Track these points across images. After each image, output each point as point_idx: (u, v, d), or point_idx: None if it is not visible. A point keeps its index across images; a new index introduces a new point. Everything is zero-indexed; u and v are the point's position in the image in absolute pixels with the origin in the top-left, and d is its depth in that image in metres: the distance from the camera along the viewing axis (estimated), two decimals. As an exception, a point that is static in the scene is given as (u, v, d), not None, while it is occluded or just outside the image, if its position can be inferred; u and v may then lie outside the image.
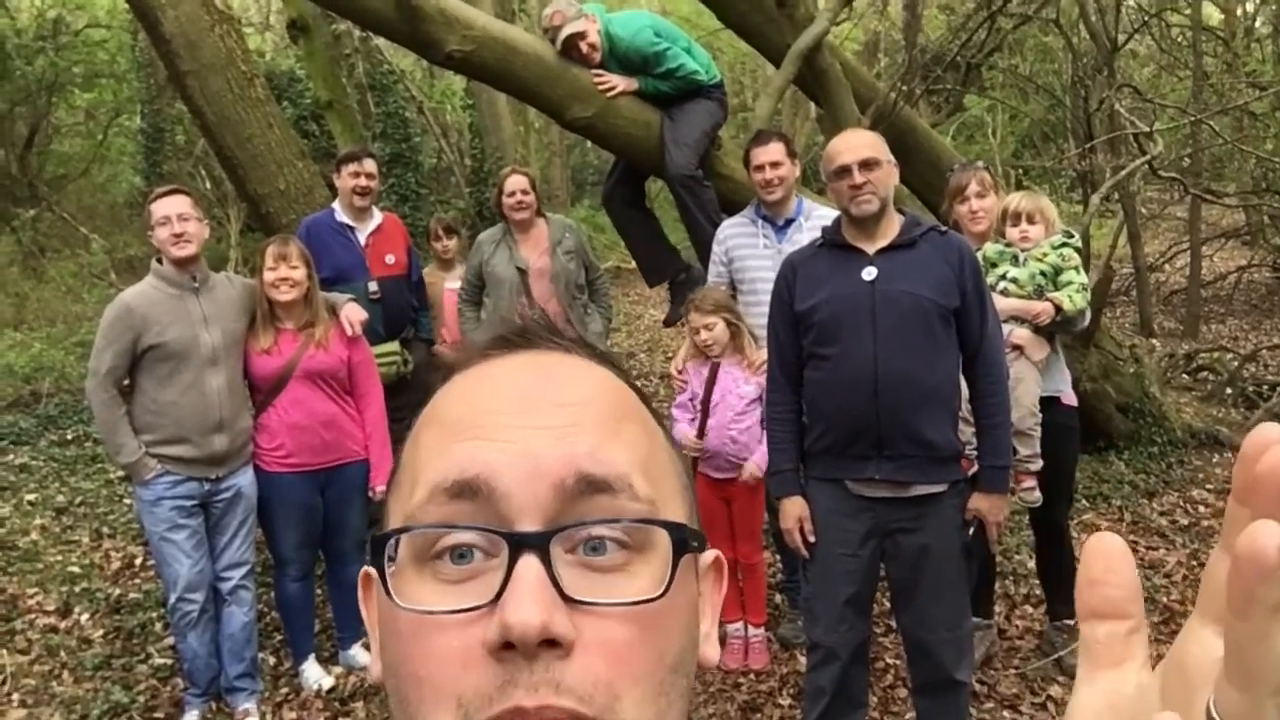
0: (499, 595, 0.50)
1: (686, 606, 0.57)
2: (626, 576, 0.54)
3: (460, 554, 0.53)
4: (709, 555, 0.64)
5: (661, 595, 0.53)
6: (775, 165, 4.06)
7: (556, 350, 0.62)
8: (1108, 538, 0.42)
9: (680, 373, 4.15)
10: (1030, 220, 3.77)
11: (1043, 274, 3.74)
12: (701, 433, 3.96)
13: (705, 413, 3.94)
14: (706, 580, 0.64)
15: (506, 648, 0.49)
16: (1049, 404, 3.76)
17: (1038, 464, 3.66)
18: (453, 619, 0.51)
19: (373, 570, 0.61)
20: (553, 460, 0.54)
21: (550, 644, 0.49)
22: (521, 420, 0.55)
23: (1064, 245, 3.78)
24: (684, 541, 0.56)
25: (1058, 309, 3.66)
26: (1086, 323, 3.98)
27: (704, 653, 0.61)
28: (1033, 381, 3.68)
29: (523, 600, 0.49)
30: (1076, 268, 3.77)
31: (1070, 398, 3.94)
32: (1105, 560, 0.41)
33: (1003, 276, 3.78)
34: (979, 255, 3.85)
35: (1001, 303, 3.68)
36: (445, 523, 0.53)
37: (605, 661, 0.51)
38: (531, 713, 0.49)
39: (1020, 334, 3.68)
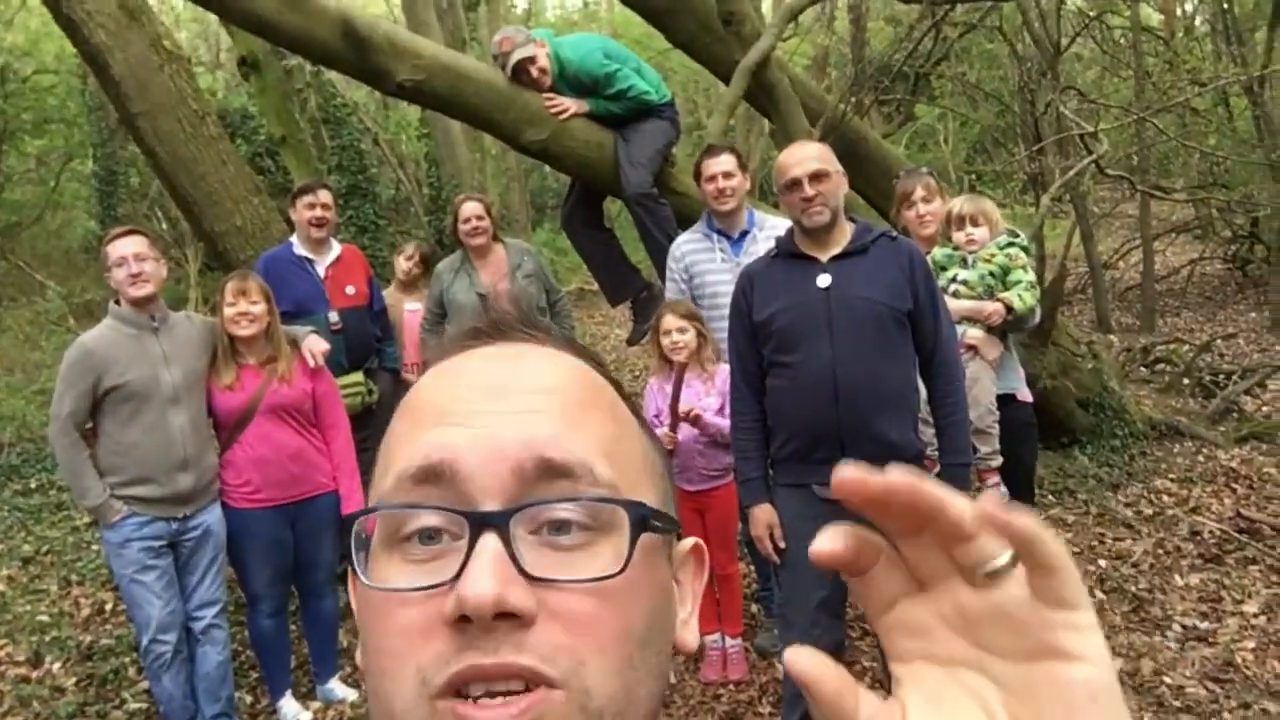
0: (460, 572, 0.52)
1: (653, 586, 0.58)
2: (589, 555, 0.55)
3: (428, 535, 0.55)
4: (687, 543, 0.66)
5: (620, 571, 0.54)
6: (728, 176, 4.11)
7: (529, 341, 0.64)
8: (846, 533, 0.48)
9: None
10: (974, 223, 3.85)
11: (992, 274, 3.82)
12: (674, 427, 3.97)
13: (674, 414, 3.94)
14: (685, 568, 0.66)
15: (464, 620, 0.51)
16: (1005, 401, 3.83)
17: (998, 460, 3.71)
18: (416, 595, 0.53)
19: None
20: (513, 444, 0.55)
21: (508, 617, 0.51)
22: (486, 406, 0.57)
23: (1010, 245, 3.86)
24: (643, 519, 0.56)
25: (1009, 309, 3.73)
26: (1038, 319, 4.05)
27: (682, 638, 0.63)
28: (988, 380, 3.74)
29: (479, 575, 0.51)
30: (1024, 266, 3.85)
31: (1026, 394, 4.01)
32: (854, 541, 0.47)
33: (953, 279, 3.85)
34: (928, 259, 3.92)
35: (953, 304, 3.74)
36: (409, 503, 0.55)
37: (567, 630, 0.52)
38: (490, 670, 0.51)
39: (973, 334, 3.75)
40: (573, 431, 0.57)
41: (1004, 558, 0.43)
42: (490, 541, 0.52)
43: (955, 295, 3.79)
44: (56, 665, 4.60)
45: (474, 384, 0.59)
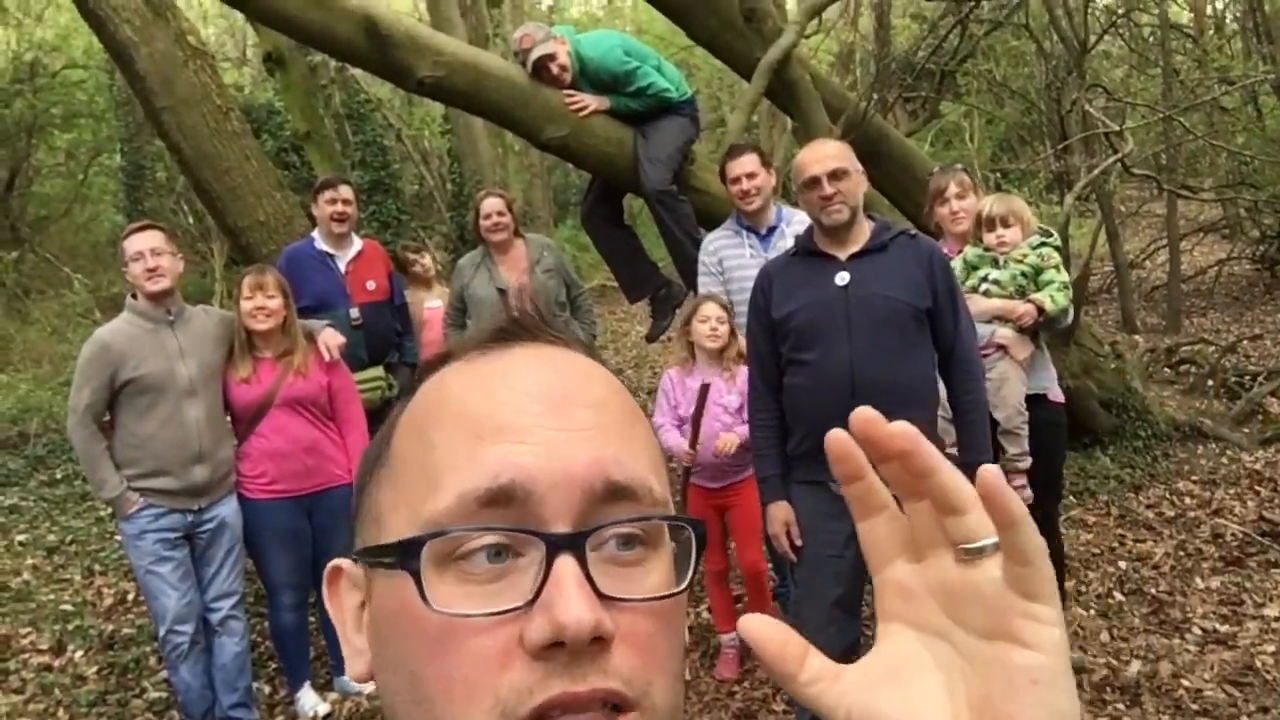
0: (537, 595, 0.51)
1: (685, 598, 0.59)
2: (644, 572, 0.55)
3: (495, 553, 0.53)
4: None
5: (686, 588, 0.57)
6: (751, 176, 4.12)
7: (555, 344, 0.62)
8: (836, 436, 0.51)
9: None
10: (1005, 224, 3.80)
11: (1023, 275, 3.77)
12: (694, 444, 3.97)
13: (695, 428, 3.93)
14: None
15: (552, 647, 0.50)
16: (1035, 402, 3.78)
17: (1026, 462, 3.68)
18: (487, 621, 0.51)
19: (344, 562, 0.62)
20: (582, 465, 0.54)
21: (596, 641, 0.51)
22: (548, 422, 0.55)
23: (1042, 245, 3.81)
24: (702, 537, 0.58)
25: (1040, 310, 3.69)
26: (1070, 320, 4.01)
27: None
28: (1017, 380, 3.71)
29: (572, 601, 0.50)
30: (1057, 266, 3.80)
31: (1057, 395, 3.96)
32: (841, 448, 0.51)
33: (985, 278, 3.81)
34: (959, 259, 3.90)
35: (985, 303, 3.72)
36: (483, 525, 0.53)
37: (637, 652, 0.53)
38: (584, 696, 0.50)
39: (1004, 333, 3.71)
40: (630, 450, 0.57)
41: (985, 540, 0.47)
42: (569, 564, 0.52)
43: (986, 294, 3.76)
44: (79, 654, 4.66)
45: (526, 394, 0.57)
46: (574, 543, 0.52)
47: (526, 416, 0.55)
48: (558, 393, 0.57)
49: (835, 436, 0.50)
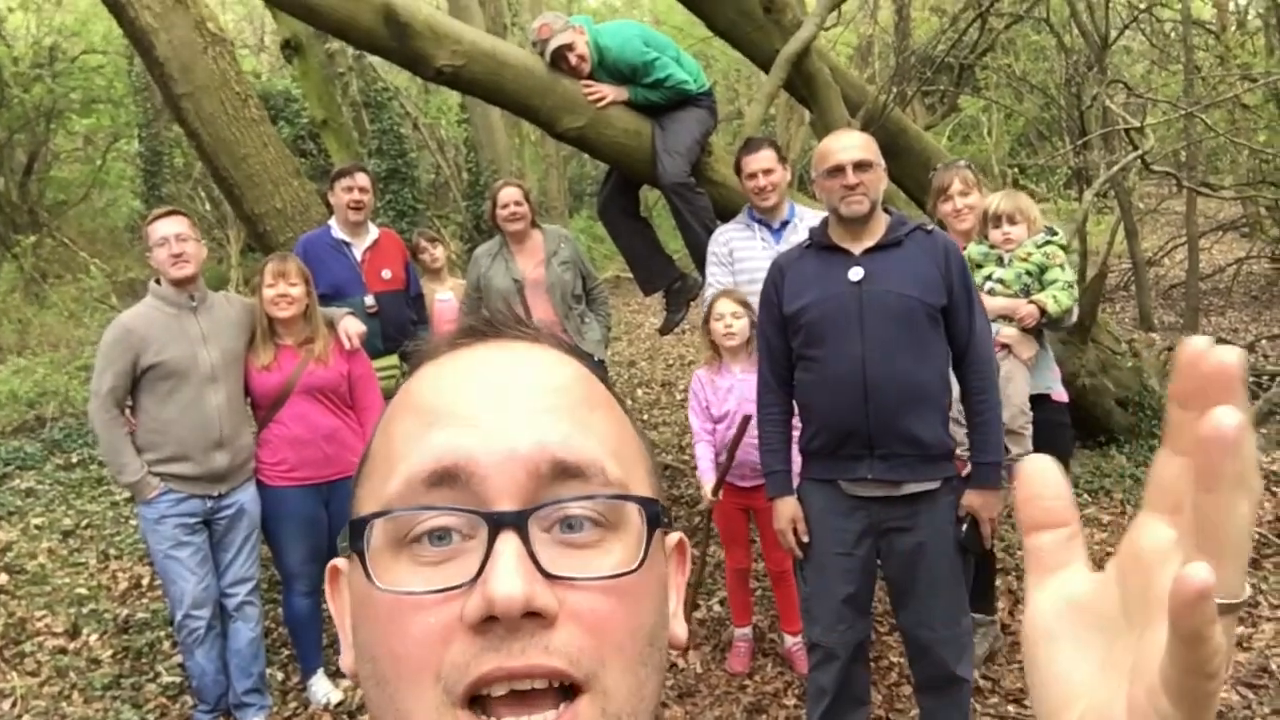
0: (480, 573, 0.52)
1: (658, 582, 0.59)
2: (601, 553, 0.55)
3: (439, 536, 0.54)
4: (674, 537, 0.67)
5: (638, 568, 0.55)
6: (768, 172, 4.11)
7: (524, 340, 0.63)
8: (1036, 461, 0.46)
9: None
10: (1011, 221, 3.79)
11: (1028, 273, 3.77)
12: (722, 480, 3.92)
13: (730, 457, 3.88)
14: (672, 561, 0.66)
15: (488, 621, 0.51)
16: (1039, 401, 3.78)
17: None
18: (432, 598, 0.52)
19: (340, 562, 0.63)
20: (527, 445, 0.55)
21: (532, 616, 0.51)
22: (495, 406, 0.57)
23: (1048, 243, 3.80)
24: (656, 516, 0.58)
25: (1042, 311, 3.68)
26: (1074, 319, 3.99)
27: (674, 631, 0.63)
28: (1022, 380, 3.70)
29: (504, 574, 0.51)
30: (1062, 265, 3.79)
31: (1060, 394, 3.95)
32: (1040, 478, 0.46)
33: (989, 277, 3.81)
34: (964, 256, 3.88)
35: (988, 302, 3.70)
36: (426, 505, 0.54)
37: (588, 631, 0.53)
38: (519, 672, 0.51)
39: (1008, 332, 3.70)
40: (582, 431, 0.57)
41: (1236, 598, 0.40)
42: (510, 541, 0.52)
43: (991, 293, 3.75)
44: (94, 637, 4.70)
45: (479, 383, 0.58)
46: (517, 520, 0.53)
47: (475, 403, 0.57)
48: (507, 379, 0.59)
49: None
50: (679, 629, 0.64)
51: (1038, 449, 3.66)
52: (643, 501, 0.57)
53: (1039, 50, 12.93)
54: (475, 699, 0.52)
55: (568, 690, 0.52)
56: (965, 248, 3.92)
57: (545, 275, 4.75)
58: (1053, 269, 3.76)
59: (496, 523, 0.53)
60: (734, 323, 3.91)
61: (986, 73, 12.51)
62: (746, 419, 3.83)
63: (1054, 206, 13.09)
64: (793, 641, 4.09)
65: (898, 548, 3.02)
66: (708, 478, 3.96)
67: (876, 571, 3.19)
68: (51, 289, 13.77)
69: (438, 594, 0.52)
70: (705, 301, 4.20)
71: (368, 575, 0.54)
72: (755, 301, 3.84)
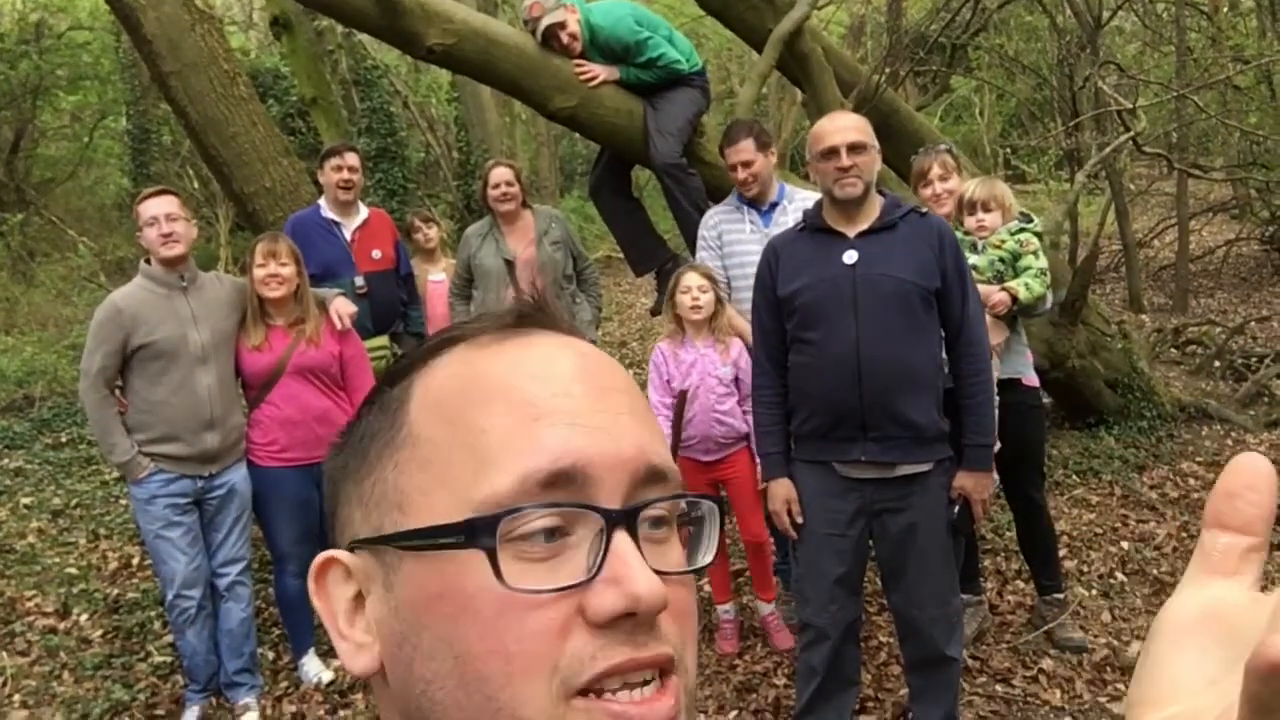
0: (599, 569, 0.53)
1: None
2: (670, 547, 0.59)
3: (550, 533, 0.54)
4: None
5: (712, 562, 0.61)
6: (747, 164, 4.09)
7: (573, 334, 0.64)
8: (1256, 459, 0.43)
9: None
10: (985, 209, 3.80)
11: (1002, 260, 3.78)
12: (674, 455, 3.99)
13: (676, 435, 3.95)
14: None
15: (619, 619, 0.53)
16: (1010, 386, 3.79)
17: (995, 445, 3.69)
18: (548, 596, 0.53)
19: (343, 554, 0.60)
20: (629, 447, 0.57)
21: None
22: (594, 404, 0.58)
23: (1022, 231, 3.81)
24: (724, 513, 0.62)
25: (1014, 298, 3.68)
26: (1048, 307, 4.00)
27: None
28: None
29: (640, 574, 0.53)
30: (1035, 252, 3.79)
31: (1032, 379, 3.97)
32: (1249, 478, 0.43)
33: None
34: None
35: None
36: (543, 500, 0.54)
37: (675, 619, 0.56)
38: (646, 661, 0.53)
39: None
40: (655, 436, 0.61)
41: None
42: (625, 539, 0.54)
43: None
44: (84, 617, 4.69)
45: (567, 378, 0.58)
46: (628, 518, 0.55)
47: (574, 400, 0.57)
48: (593, 379, 0.59)
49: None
50: None
51: (1010, 432, 3.65)
52: (717, 500, 0.63)
53: (1031, 30, 12.90)
54: (588, 691, 0.53)
55: (660, 673, 0.55)
56: None
57: (537, 255, 4.74)
58: (1026, 256, 3.77)
59: (613, 520, 0.55)
60: (700, 296, 3.91)
61: (979, 53, 12.48)
62: (683, 394, 3.87)
63: (1045, 188, 13.11)
64: (768, 610, 4.12)
65: (890, 529, 3.03)
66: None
67: (868, 552, 3.21)
68: (39, 267, 13.69)
69: (556, 593, 0.53)
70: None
71: (500, 576, 0.52)
72: (746, 285, 3.86)
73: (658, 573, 0.54)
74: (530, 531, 0.54)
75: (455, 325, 0.64)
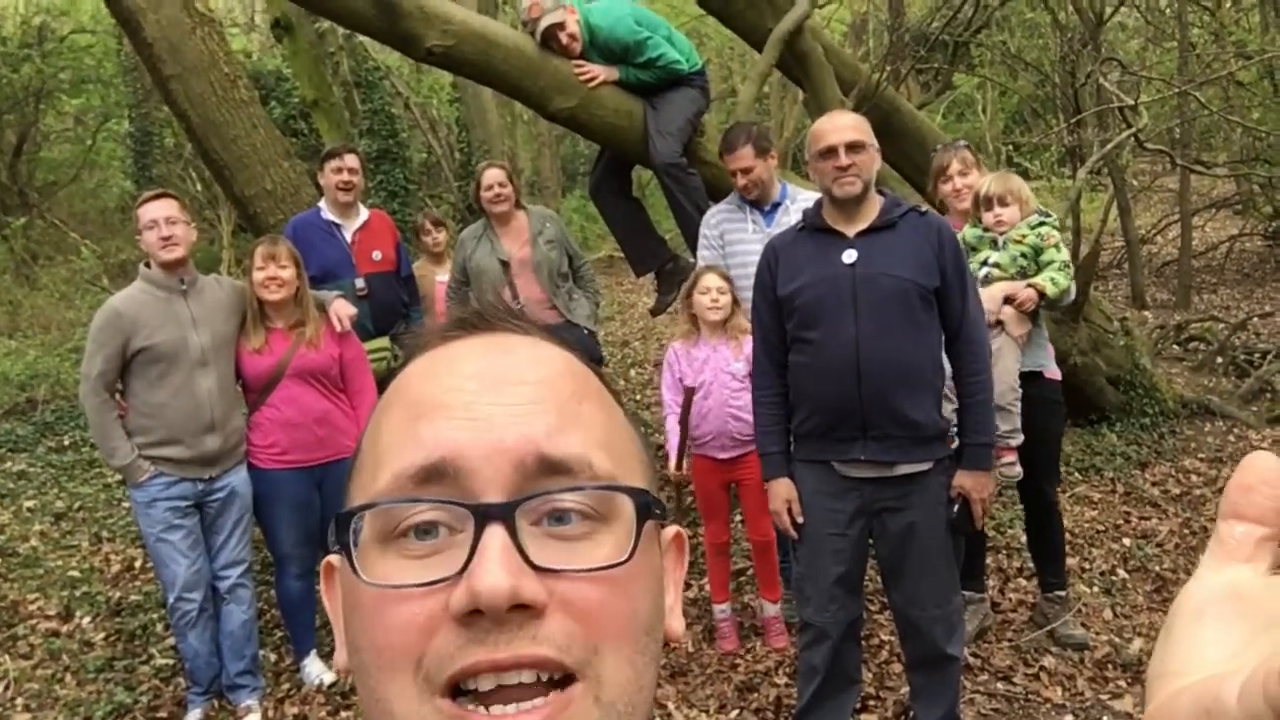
0: (466, 566, 0.51)
1: (652, 573, 0.59)
2: (592, 544, 0.55)
3: (425, 530, 0.54)
4: (670, 530, 0.66)
5: (628, 559, 0.55)
6: (746, 171, 4.09)
7: (514, 332, 0.63)
8: (1270, 457, 0.45)
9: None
10: (1002, 203, 3.79)
11: (1023, 255, 3.76)
12: (682, 453, 4.03)
13: (684, 432, 3.96)
14: (669, 555, 0.66)
15: (474, 614, 0.50)
16: (1032, 379, 3.78)
17: (1018, 439, 3.68)
18: (418, 591, 0.52)
19: (335, 558, 0.62)
20: (513, 437, 0.55)
21: (520, 608, 0.51)
22: (482, 398, 0.56)
23: (1041, 224, 3.79)
24: (647, 506, 0.57)
25: (1041, 294, 3.67)
26: (1071, 298, 4.00)
27: (670, 625, 0.62)
28: (1012, 357, 3.70)
29: (490, 566, 0.50)
30: (1056, 245, 3.78)
31: (1053, 372, 3.96)
32: (1263, 474, 0.44)
33: (984, 262, 3.79)
34: (958, 238, 3.87)
35: (992, 289, 3.70)
36: (412, 497, 0.54)
37: (579, 619, 0.52)
38: (506, 664, 0.50)
39: (1004, 310, 3.70)
40: (569, 426, 0.57)
41: None
42: (496, 534, 0.52)
43: (988, 279, 3.74)
44: (86, 620, 4.70)
45: (467, 375, 0.58)
46: (503, 512, 0.53)
47: (463, 395, 0.57)
48: (498, 372, 0.58)
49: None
50: (675, 623, 0.63)
51: (1030, 426, 3.67)
52: (632, 492, 0.57)
53: (1033, 27, 12.87)
54: (462, 693, 0.51)
55: (558, 683, 0.52)
56: (964, 226, 3.92)
57: (532, 255, 4.73)
58: (1048, 250, 3.75)
59: (483, 515, 0.52)
60: (720, 298, 3.94)
61: (981, 50, 12.46)
62: (690, 391, 3.88)
63: (1048, 184, 13.08)
64: (772, 611, 4.12)
65: (890, 528, 3.03)
66: (673, 448, 4.02)
67: (868, 551, 3.21)
68: (42, 270, 13.70)
69: (423, 587, 0.52)
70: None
71: (354, 569, 0.54)
72: (748, 285, 3.86)
73: (546, 570, 0.52)
74: (406, 529, 0.54)
75: (413, 337, 0.66)
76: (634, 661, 0.55)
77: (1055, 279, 3.69)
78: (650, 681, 0.56)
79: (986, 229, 3.83)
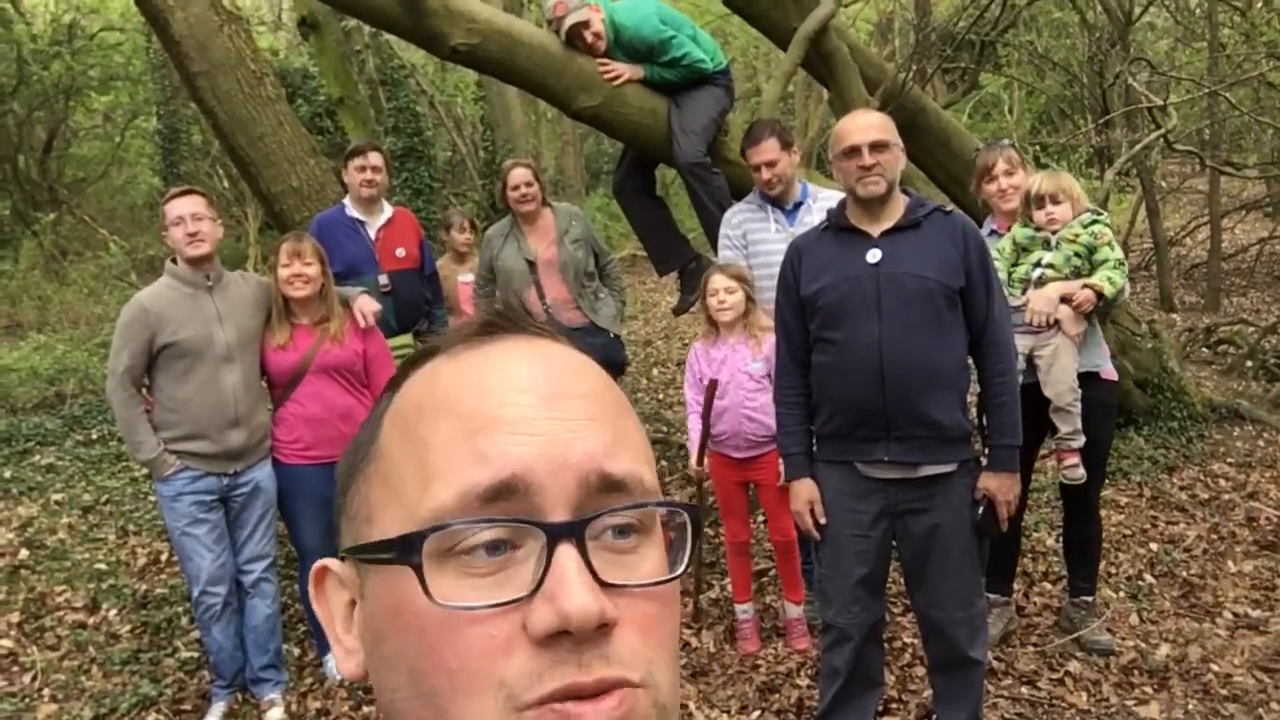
0: (540, 585, 0.52)
1: (680, 583, 0.60)
2: (639, 558, 0.56)
3: (494, 548, 0.53)
4: None
5: (684, 571, 0.58)
6: (771, 164, 4.07)
7: (544, 337, 0.63)
8: None
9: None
10: (1055, 201, 3.73)
11: (1077, 255, 3.70)
12: (703, 448, 4.04)
13: (706, 427, 3.96)
14: None
15: (558, 635, 0.51)
16: (1088, 379, 3.72)
17: (1080, 440, 3.64)
18: (490, 611, 0.52)
19: (332, 563, 0.62)
20: (577, 454, 0.55)
21: (599, 627, 0.52)
22: (542, 414, 0.56)
23: (1094, 222, 3.74)
24: (699, 523, 0.59)
25: (1099, 295, 3.63)
26: (1126, 295, 3.94)
27: None
28: (1069, 358, 3.65)
29: (576, 588, 0.51)
30: (1110, 244, 3.72)
31: (1110, 372, 3.89)
32: None
33: (1037, 263, 3.74)
34: (1007, 239, 3.83)
35: (1048, 292, 3.65)
36: (481, 515, 0.53)
37: (639, 634, 0.54)
38: (589, 686, 0.51)
39: (1060, 310, 3.65)
40: (622, 442, 0.58)
41: None
42: (570, 554, 0.52)
43: (1041, 280, 3.70)
44: (113, 612, 4.74)
45: (518, 387, 0.57)
46: (574, 531, 0.53)
47: (521, 409, 0.56)
48: (550, 385, 0.58)
49: None
50: None
51: (1083, 428, 3.63)
52: (689, 509, 0.59)
53: (1061, 27, 12.80)
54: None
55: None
56: (1011, 228, 3.88)
57: (558, 254, 4.74)
58: (1102, 249, 3.69)
59: (555, 534, 0.53)
60: (727, 298, 3.92)
61: (1008, 50, 12.39)
62: (713, 383, 3.87)
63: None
64: (795, 612, 4.11)
65: (913, 530, 3.01)
66: (695, 446, 4.03)
67: (892, 553, 3.19)
68: (71, 266, 13.85)
69: (496, 608, 0.52)
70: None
71: (427, 592, 0.53)
72: (770, 284, 3.84)
73: (613, 586, 0.53)
74: (472, 546, 0.53)
75: (435, 336, 0.65)
76: (674, 666, 0.57)
77: (1112, 278, 3.64)
78: (678, 679, 0.58)
79: (1038, 229, 3.77)
